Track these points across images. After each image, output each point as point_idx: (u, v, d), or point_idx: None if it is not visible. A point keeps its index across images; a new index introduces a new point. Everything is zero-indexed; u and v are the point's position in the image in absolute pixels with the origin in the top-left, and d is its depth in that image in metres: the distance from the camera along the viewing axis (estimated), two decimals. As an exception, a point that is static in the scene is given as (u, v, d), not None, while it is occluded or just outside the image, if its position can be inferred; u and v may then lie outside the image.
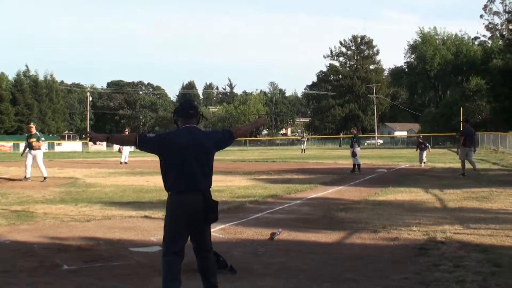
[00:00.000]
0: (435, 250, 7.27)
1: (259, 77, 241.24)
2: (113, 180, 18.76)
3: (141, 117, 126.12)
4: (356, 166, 22.21)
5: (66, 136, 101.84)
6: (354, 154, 22.34)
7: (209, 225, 5.05)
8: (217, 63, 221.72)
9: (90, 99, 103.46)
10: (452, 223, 9.37)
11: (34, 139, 18.07)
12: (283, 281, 5.92)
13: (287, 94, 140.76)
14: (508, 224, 9.20)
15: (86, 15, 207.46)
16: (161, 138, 5.07)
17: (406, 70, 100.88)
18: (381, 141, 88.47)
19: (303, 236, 8.53)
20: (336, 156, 38.61)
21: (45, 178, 17.98)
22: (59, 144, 60.27)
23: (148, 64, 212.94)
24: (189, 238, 5.00)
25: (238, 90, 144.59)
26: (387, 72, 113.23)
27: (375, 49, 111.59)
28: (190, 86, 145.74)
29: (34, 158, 18.03)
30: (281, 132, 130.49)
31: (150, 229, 9.07)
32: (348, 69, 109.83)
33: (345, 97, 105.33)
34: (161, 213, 9.90)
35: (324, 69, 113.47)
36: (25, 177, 18.32)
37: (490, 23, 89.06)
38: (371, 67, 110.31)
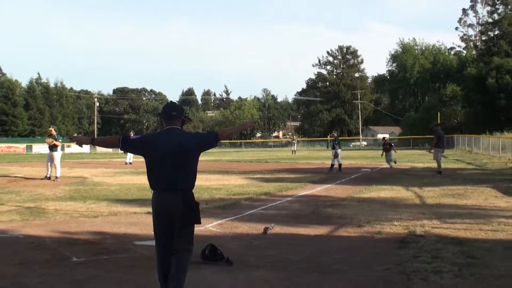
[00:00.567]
0: (415, 243, 7.28)
1: (253, 84, 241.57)
2: (119, 179, 18.71)
3: (144, 121, 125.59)
4: (338, 166, 22.21)
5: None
6: (336, 155, 22.35)
7: (189, 226, 4.75)
8: (214, 71, 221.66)
9: (97, 104, 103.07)
10: (430, 218, 9.40)
11: (53, 140, 18.35)
12: (275, 272, 5.91)
13: (279, 100, 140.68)
14: (481, 219, 9.22)
15: (94, 27, 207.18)
16: (142, 139, 4.92)
17: (388, 77, 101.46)
18: (365, 143, 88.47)
19: (293, 230, 8.53)
20: (324, 157, 38.53)
21: (57, 177, 18.00)
22: (68, 146, 59.88)
23: (151, 72, 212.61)
24: None
25: (233, 96, 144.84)
26: (371, 79, 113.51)
27: (359, 59, 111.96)
28: (190, 92, 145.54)
29: (52, 157, 18.17)
30: (274, 134, 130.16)
31: (153, 224, 9.04)
32: (334, 76, 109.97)
33: (332, 102, 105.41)
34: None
35: (313, 77, 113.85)
36: (46, 176, 18.37)
37: (464, 34, 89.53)
38: (356, 75, 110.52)
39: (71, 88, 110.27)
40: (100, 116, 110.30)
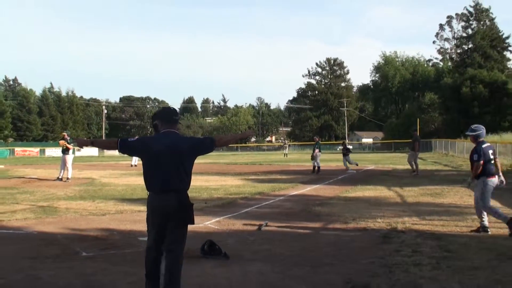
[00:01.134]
0: (397, 238, 7.29)
1: (249, 92, 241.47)
2: (125, 180, 18.65)
3: (148, 127, 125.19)
4: (317, 168, 22.16)
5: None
6: (313, 157, 22.29)
7: (182, 226, 4.52)
8: (213, 80, 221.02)
9: (105, 111, 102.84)
10: (410, 215, 9.41)
11: (65, 142, 18.27)
12: (269, 266, 5.90)
13: (272, 107, 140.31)
14: (457, 216, 9.26)
15: (103, 40, 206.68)
16: (140, 141, 4.63)
17: (372, 87, 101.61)
18: (351, 147, 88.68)
19: (286, 227, 8.51)
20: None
21: (68, 178, 17.95)
22: (78, 150, 59.59)
23: (154, 82, 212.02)
24: None
25: (230, 104, 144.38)
26: (356, 88, 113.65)
27: (345, 70, 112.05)
28: (190, 100, 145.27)
29: (65, 160, 18.10)
30: (267, 139, 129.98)
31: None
32: (323, 86, 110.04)
33: (321, 110, 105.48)
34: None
35: (303, 86, 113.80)
36: (57, 177, 18.31)
37: (441, 47, 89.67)
38: (342, 84, 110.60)
39: (81, 97, 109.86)
40: (108, 122, 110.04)
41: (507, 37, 75.11)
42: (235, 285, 5.23)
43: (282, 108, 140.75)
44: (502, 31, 75.71)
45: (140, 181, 18.00)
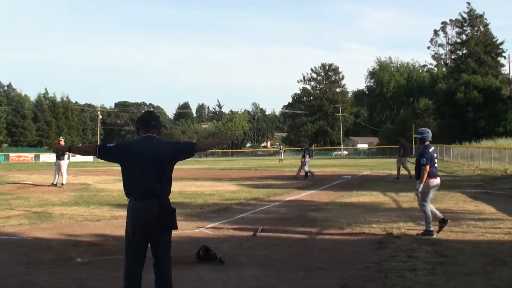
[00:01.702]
0: (392, 243, 7.30)
1: (244, 98, 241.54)
2: (120, 186, 18.47)
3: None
4: (304, 173, 22.14)
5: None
6: (303, 163, 22.26)
7: (167, 233, 4.36)
8: (208, 86, 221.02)
9: (100, 117, 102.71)
10: (406, 220, 9.43)
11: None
12: (264, 271, 5.90)
13: (267, 113, 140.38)
14: (452, 221, 9.24)
15: (97, 46, 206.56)
16: (119, 147, 4.48)
17: (367, 92, 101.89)
18: (346, 152, 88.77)
19: (281, 232, 8.51)
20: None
21: (63, 184, 17.87)
22: (73, 155, 59.53)
23: (149, 87, 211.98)
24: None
25: (226, 109, 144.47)
26: (351, 94, 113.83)
27: (340, 75, 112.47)
28: (185, 106, 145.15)
29: (60, 166, 18.00)
30: (262, 144, 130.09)
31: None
32: (318, 91, 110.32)
33: (316, 115, 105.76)
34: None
35: (298, 92, 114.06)
36: (52, 183, 18.25)
37: (436, 53, 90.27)
38: (337, 90, 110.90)
39: (76, 102, 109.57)
40: (103, 127, 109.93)
41: (501, 43, 75.91)
42: (231, 291, 5.21)
43: (277, 113, 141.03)
44: (496, 37, 76.52)
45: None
